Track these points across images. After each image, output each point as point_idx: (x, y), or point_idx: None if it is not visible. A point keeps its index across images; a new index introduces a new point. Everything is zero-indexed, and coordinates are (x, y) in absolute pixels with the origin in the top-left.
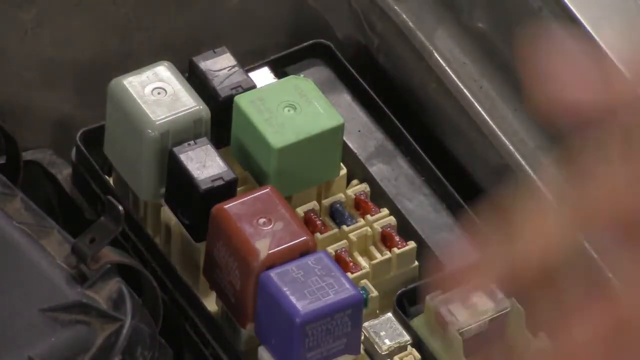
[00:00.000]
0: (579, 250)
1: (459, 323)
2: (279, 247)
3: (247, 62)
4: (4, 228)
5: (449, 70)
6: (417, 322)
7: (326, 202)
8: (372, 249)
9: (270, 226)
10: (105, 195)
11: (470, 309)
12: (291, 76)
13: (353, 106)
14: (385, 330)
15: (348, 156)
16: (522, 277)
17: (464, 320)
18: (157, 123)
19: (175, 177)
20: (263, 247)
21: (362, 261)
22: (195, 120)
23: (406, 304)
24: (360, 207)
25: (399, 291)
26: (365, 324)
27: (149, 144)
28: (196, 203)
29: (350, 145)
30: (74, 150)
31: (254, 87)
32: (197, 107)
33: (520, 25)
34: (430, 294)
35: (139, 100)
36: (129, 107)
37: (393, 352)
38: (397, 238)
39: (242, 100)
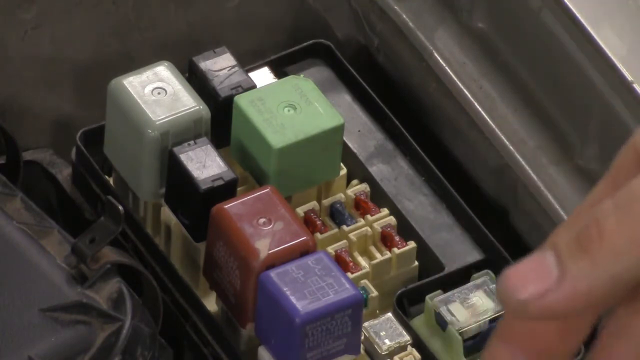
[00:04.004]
0: None
1: (459, 323)
2: (279, 247)
3: (247, 62)
4: (4, 228)
5: (449, 70)
6: (417, 322)
7: (326, 202)
8: (372, 249)
9: (270, 226)
10: (105, 195)
11: (470, 309)
12: (291, 76)
13: (353, 106)
14: (385, 330)
15: (348, 156)
16: None
17: (464, 320)
18: (157, 123)
19: (175, 177)
20: (263, 247)
21: (362, 261)
22: (195, 120)
23: (406, 304)
24: (360, 207)
25: (399, 291)
26: (365, 324)
27: (149, 144)
28: (196, 203)
29: (350, 145)
30: (74, 150)
31: (254, 87)
32: (197, 107)
33: (520, 25)
34: (430, 294)
35: (139, 100)
36: (129, 107)
37: (393, 352)
38: (397, 238)
39: (242, 100)
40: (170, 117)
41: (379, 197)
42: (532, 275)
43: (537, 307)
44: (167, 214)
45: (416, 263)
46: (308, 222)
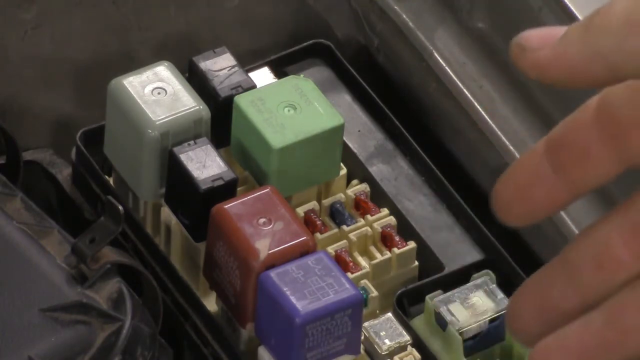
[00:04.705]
0: None
1: (459, 323)
2: (279, 247)
3: (247, 62)
4: (4, 228)
5: (449, 70)
6: (417, 322)
7: (326, 202)
8: (372, 249)
9: (270, 226)
10: (105, 195)
11: (470, 309)
12: (291, 76)
13: (353, 106)
14: (385, 330)
15: (348, 156)
16: None
17: (464, 320)
18: (157, 123)
19: (175, 177)
20: (263, 247)
21: (362, 261)
22: (195, 120)
23: (406, 304)
24: (360, 207)
25: (399, 291)
26: (365, 324)
27: (149, 144)
28: (196, 203)
29: (350, 145)
30: (74, 150)
31: (254, 87)
32: (197, 107)
33: (520, 25)
34: (430, 294)
35: (139, 100)
36: (129, 107)
37: (393, 352)
38: (397, 238)
39: (242, 101)
40: (170, 117)
41: (379, 197)
42: (540, 33)
43: (529, 56)
44: (167, 214)
45: (416, 263)
46: (308, 222)
